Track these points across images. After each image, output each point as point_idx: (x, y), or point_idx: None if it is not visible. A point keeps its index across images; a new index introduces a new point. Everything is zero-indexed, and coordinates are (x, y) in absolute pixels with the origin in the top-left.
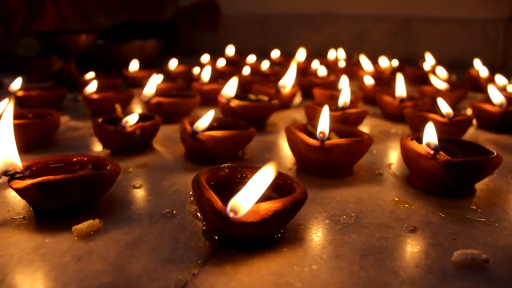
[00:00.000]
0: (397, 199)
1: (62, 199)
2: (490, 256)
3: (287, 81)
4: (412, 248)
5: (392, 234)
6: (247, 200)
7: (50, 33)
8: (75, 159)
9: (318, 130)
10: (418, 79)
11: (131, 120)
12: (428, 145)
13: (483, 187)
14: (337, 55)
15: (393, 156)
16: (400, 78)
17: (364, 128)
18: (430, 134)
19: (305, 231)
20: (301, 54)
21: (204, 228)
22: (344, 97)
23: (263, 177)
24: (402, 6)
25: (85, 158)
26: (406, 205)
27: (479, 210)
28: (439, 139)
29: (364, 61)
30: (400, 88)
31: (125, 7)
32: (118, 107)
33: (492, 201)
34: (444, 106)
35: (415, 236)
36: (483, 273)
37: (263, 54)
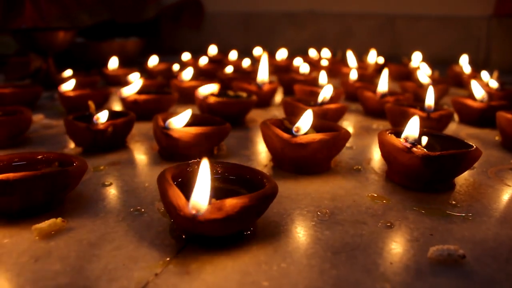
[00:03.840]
0: (374, 195)
1: (23, 197)
2: (467, 252)
3: (263, 75)
4: (387, 245)
5: (367, 231)
6: (201, 196)
7: (27, 30)
8: (40, 157)
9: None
10: (402, 76)
11: (102, 117)
12: (405, 138)
13: (463, 181)
14: (320, 53)
15: (373, 152)
16: (384, 74)
17: (345, 124)
18: (412, 128)
19: (277, 228)
20: (282, 52)
21: (171, 226)
22: (325, 93)
23: (203, 171)
24: (386, 4)
25: (51, 156)
26: (383, 201)
27: (458, 205)
28: (420, 134)
29: (350, 57)
30: (383, 83)
31: (107, 6)
32: (91, 104)
33: (472, 196)
34: (430, 97)
35: (391, 232)
36: (459, 269)
37: (247, 53)
